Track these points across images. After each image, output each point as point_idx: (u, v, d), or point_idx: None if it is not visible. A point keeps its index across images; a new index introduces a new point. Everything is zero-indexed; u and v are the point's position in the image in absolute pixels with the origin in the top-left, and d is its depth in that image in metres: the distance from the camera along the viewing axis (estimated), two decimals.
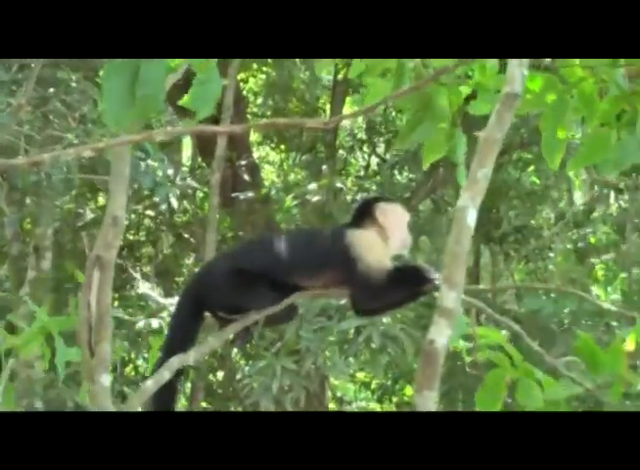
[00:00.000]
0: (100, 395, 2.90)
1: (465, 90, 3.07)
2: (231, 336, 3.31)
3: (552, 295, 10.14)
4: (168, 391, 3.21)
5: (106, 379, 2.92)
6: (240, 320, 3.22)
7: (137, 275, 8.59)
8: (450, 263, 2.13)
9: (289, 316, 3.50)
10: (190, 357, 3.07)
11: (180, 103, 2.42)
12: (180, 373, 3.27)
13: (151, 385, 3.03)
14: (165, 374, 3.01)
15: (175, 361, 3.04)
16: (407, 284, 3.21)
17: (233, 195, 10.22)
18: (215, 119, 8.67)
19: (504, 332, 3.60)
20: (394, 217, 3.45)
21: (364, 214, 3.46)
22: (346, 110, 12.36)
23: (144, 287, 8.45)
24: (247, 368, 8.79)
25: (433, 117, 3.07)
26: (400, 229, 3.45)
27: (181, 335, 3.31)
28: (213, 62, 2.44)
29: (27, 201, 8.93)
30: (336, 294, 3.38)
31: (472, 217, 2.16)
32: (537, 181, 11.73)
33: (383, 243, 3.36)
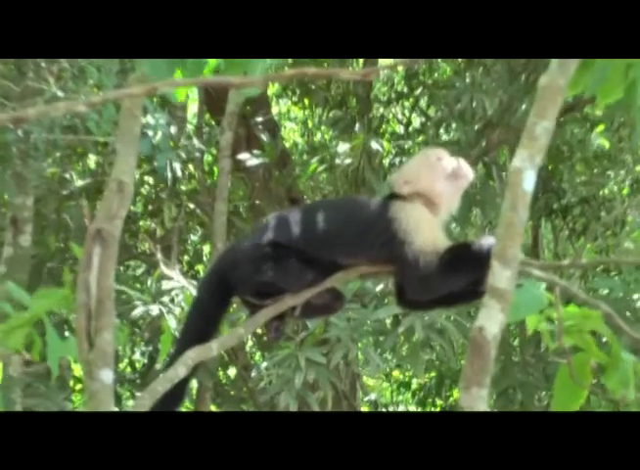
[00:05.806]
0: (100, 394, 2.85)
1: None
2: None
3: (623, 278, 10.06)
4: (177, 389, 3.14)
5: (107, 375, 2.87)
6: (273, 305, 3.13)
7: (160, 255, 8.55)
8: (504, 236, 2.10)
9: (333, 307, 3.40)
10: (212, 350, 3.00)
11: None
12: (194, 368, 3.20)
13: (163, 383, 2.98)
14: (181, 370, 2.95)
15: (193, 355, 2.98)
16: (468, 267, 3.07)
17: (243, 157, 10.11)
18: None
19: None
20: (428, 174, 3.30)
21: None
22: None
23: (168, 271, 8.40)
24: (264, 363, 8.72)
25: None
26: (438, 185, 3.29)
27: (201, 324, 3.23)
28: None
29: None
30: (384, 273, 3.26)
31: (529, 180, 2.13)
32: (607, 144, 11.59)
33: (432, 216, 3.23)
